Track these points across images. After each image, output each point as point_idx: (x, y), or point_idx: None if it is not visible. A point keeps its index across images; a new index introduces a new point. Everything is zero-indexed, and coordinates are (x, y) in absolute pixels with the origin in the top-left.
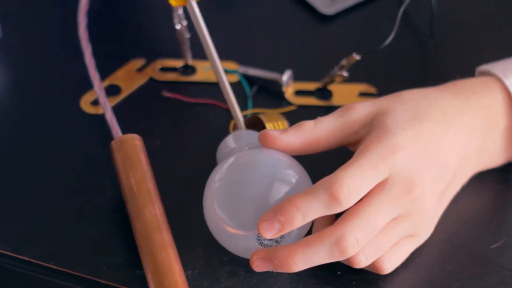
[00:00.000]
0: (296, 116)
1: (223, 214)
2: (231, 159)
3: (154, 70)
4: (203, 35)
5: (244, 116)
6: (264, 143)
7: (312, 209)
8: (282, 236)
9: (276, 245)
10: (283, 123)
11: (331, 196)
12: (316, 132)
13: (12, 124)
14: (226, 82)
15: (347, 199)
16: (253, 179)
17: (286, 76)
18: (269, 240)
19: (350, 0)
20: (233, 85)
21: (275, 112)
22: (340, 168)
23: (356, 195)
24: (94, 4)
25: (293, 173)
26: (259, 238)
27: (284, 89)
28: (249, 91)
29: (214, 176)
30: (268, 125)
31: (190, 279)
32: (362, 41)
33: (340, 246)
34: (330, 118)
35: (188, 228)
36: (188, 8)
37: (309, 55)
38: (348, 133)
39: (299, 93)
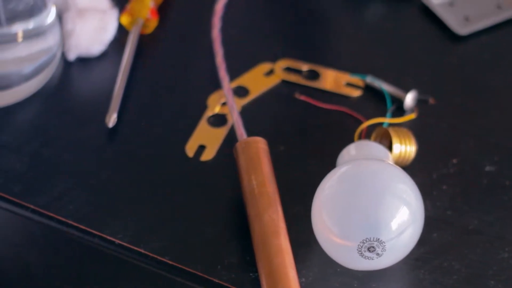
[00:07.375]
0: (418, 127)
1: (329, 222)
2: (343, 168)
3: (282, 75)
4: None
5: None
6: None
7: None
8: (384, 249)
9: (377, 257)
10: (410, 139)
11: None
12: None
13: (140, 116)
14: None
15: None
16: (363, 190)
17: (411, 96)
18: (370, 252)
19: (485, 21)
20: (356, 99)
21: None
22: None
23: None
24: (231, 5)
25: (406, 188)
26: (360, 250)
27: (407, 107)
28: (390, 105)
29: (324, 184)
30: (395, 139)
31: (303, 287)
32: (494, 65)
33: None
34: None
35: (306, 235)
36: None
37: (436, 74)
38: None
39: None
